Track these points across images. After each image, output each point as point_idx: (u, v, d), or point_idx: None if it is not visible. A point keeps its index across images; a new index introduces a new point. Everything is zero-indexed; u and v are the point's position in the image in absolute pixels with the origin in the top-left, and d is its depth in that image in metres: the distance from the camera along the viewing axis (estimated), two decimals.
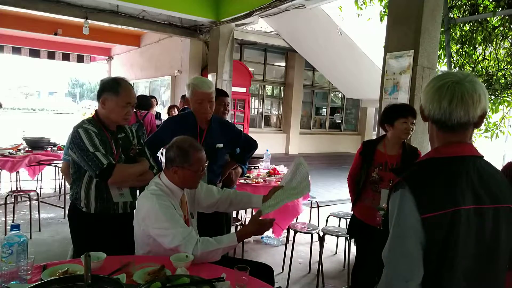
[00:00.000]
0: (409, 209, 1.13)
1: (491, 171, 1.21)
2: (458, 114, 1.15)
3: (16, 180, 5.55)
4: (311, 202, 4.61)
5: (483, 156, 1.22)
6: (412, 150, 2.63)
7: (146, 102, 5.82)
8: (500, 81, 3.73)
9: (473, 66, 3.93)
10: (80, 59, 13.08)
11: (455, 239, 1.12)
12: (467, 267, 1.15)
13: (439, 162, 1.19)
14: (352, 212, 2.83)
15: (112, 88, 2.08)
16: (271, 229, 4.03)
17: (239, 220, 3.96)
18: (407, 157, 2.56)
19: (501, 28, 3.80)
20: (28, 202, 4.42)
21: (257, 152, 2.94)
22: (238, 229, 2.10)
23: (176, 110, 6.94)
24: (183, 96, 6.72)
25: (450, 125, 1.18)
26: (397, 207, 1.16)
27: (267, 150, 4.75)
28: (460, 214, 1.12)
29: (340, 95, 12.34)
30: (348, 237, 3.34)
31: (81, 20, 6.46)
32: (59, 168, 5.00)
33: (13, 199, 4.55)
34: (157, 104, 7.08)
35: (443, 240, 1.12)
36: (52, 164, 5.14)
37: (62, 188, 5.66)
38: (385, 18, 3.89)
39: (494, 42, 3.83)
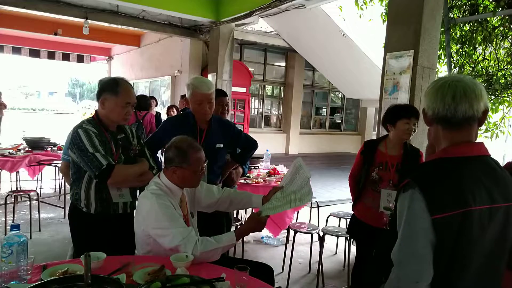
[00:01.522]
0: (420, 209, 1.13)
1: (498, 169, 1.22)
2: (463, 108, 1.16)
3: (16, 180, 5.55)
4: (311, 202, 4.61)
5: (490, 155, 1.23)
6: (413, 150, 2.62)
7: (145, 102, 5.82)
8: (500, 81, 3.73)
9: (473, 66, 3.93)
10: (80, 59, 13.09)
11: (468, 239, 1.12)
12: (478, 266, 1.16)
13: (448, 163, 1.19)
14: (353, 212, 2.83)
15: (112, 88, 2.08)
16: (269, 229, 4.07)
17: (239, 220, 3.96)
18: (408, 157, 2.55)
19: (501, 28, 3.80)
20: (28, 202, 4.42)
21: (257, 152, 2.93)
22: (237, 228, 2.10)
23: (175, 110, 6.93)
24: (183, 96, 6.72)
25: (455, 121, 1.18)
26: (407, 208, 1.16)
27: (267, 150, 4.74)
28: (472, 215, 1.12)
29: (340, 95, 12.34)
30: (348, 237, 3.33)
31: (81, 20, 6.47)
32: (59, 168, 5.01)
33: (13, 199, 4.55)
34: (156, 104, 7.08)
35: (455, 240, 1.12)
36: (52, 164, 5.14)
37: (62, 188, 5.66)
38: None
39: (494, 42, 3.83)
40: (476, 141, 1.22)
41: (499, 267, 1.22)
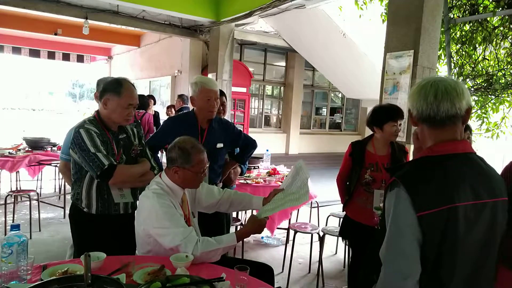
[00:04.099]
0: (405, 207, 1.15)
1: (484, 166, 1.24)
2: (445, 106, 1.18)
3: (16, 180, 5.55)
4: (311, 202, 4.61)
5: (475, 152, 1.25)
6: (399, 147, 2.66)
7: (143, 101, 5.82)
8: (500, 81, 3.73)
9: (473, 66, 3.94)
10: (80, 59, 13.06)
11: (454, 235, 1.14)
12: (466, 262, 1.17)
13: (433, 160, 1.21)
14: (345, 213, 2.82)
15: (115, 89, 2.07)
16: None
17: (239, 220, 3.96)
18: (397, 155, 2.58)
19: (501, 28, 3.81)
20: (28, 202, 4.42)
21: (257, 152, 2.94)
22: (237, 229, 2.11)
23: (173, 110, 6.94)
24: (180, 96, 6.73)
25: (439, 119, 1.20)
26: (393, 206, 1.18)
27: (267, 150, 4.74)
28: (457, 211, 1.13)
29: (340, 95, 12.34)
30: (341, 238, 3.32)
31: (81, 20, 6.46)
32: (58, 168, 5.01)
33: (13, 199, 4.55)
34: (155, 103, 7.09)
35: (441, 236, 1.13)
36: (52, 164, 5.14)
37: (62, 188, 5.66)
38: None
39: (494, 42, 3.83)
40: (461, 139, 1.24)
41: (490, 263, 1.23)
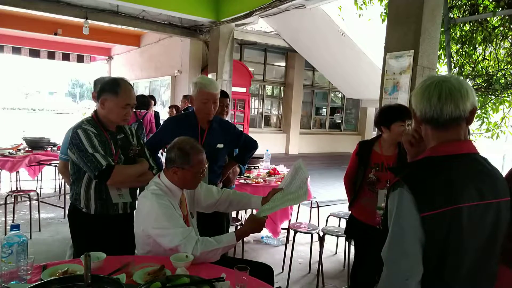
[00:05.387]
0: (408, 208, 1.14)
1: (489, 167, 1.23)
2: (449, 108, 1.17)
3: (16, 180, 5.55)
4: (311, 202, 4.61)
5: (478, 152, 1.24)
6: None
7: (145, 101, 5.83)
8: (500, 81, 3.73)
9: (473, 66, 3.93)
10: (80, 59, 13.07)
11: (458, 236, 1.13)
12: (468, 262, 1.17)
13: (436, 161, 1.20)
14: (350, 212, 2.82)
15: (112, 89, 2.07)
16: (269, 229, 4.08)
17: (238, 220, 3.96)
18: (403, 156, 2.56)
19: (501, 28, 3.80)
20: (28, 202, 4.42)
21: (257, 152, 2.94)
22: (237, 229, 2.11)
23: (174, 110, 6.94)
24: (185, 96, 6.72)
25: (442, 121, 1.19)
26: (396, 206, 1.17)
27: (267, 150, 4.74)
28: (461, 212, 1.12)
29: (340, 95, 12.34)
30: (345, 237, 3.32)
31: (81, 20, 6.47)
32: (57, 168, 5.01)
33: (13, 199, 4.55)
34: (155, 104, 7.10)
35: (445, 237, 1.13)
36: (52, 164, 5.14)
37: (62, 188, 5.66)
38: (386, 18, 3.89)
39: (494, 42, 3.83)
40: (464, 139, 1.23)
41: (492, 263, 1.23)
